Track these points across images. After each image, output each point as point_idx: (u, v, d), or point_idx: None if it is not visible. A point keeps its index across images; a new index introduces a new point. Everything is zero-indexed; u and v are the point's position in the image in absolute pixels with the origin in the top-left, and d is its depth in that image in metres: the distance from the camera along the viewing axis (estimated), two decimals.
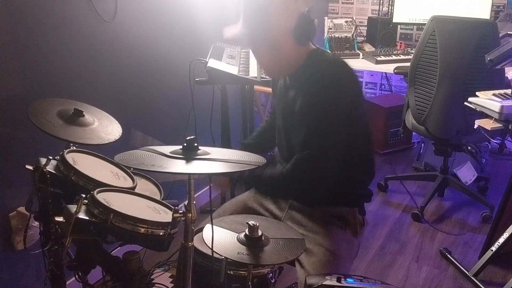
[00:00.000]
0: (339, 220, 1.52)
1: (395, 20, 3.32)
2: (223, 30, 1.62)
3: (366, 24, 3.69)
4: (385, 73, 3.98)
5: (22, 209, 1.73)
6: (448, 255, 2.36)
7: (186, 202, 1.11)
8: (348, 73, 1.40)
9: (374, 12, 3.85)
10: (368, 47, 3.37)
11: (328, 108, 1.34)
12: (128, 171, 1.48)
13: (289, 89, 1.48)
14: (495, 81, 2.32)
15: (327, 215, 1.52)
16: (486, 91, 1.89)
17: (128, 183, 1.43)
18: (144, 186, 1.54)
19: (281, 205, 1.60)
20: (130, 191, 1.36)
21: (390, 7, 3.46)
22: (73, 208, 1.16)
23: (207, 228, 1.23)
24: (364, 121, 1.47)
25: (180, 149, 1.12)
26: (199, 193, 2.65)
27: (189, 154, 1.10)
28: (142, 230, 1.16)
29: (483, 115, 1.82)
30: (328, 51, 2.95)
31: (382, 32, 3.36)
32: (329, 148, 1.37)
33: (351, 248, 1.50)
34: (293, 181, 1.41)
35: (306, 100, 1.37)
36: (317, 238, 1.45)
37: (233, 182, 1.62)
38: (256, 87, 2.46)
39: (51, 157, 1.35)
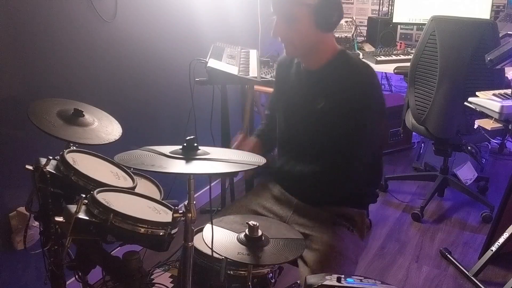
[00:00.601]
0: (347, 221, 1.51)
1: (395, 20, 3.32)
2: None
3: (366, 24, 3.69)
4: (385, 73, 3.97)
5: (22, 209, 1.73)
6: (448, 255, 2.36)
7: (186, 202, 1.11)
8: (377, 78, 1.42)
9: (374, 12, 3.84)
10: (368, 47, 3.37)
11: (368, 111, 1.36)
12: (128, 171, 1.48)
13: (310, 87, 1.46)
14: (495, 81, 2.32)
15: (335, 215, 1.51)
16: (486, 91, 1.89)
17: (128, 183, 1.43)
18: (144, 186, 1.54)
19: (286, 207, 1.58)
20: (130, 191, 1.36)
21: (390, 7, 3.46)
22: (73, 208, 1.16)
23: (207, 228, 1.23)
24: (382, 126, 1.51)
25: (180, 149, 1.12)
26: (199, 193, 2.65)
27: (189, 154, 1.10)
28: (142, 230, 1.16)
29: (483, 115, 1.82)
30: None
31: (382, 32, 3.36)
32: (366, 149, 1.40)
33: (357, 250, 1.50)
34: (326, 181, 1.42)
35: (343, 101, 1.36)
36: (323, 237, 1.44)
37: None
38: (256, 87, 2.46)
39: (51, 157, 1.35)
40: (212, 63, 2.06)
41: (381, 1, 3.78)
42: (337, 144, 1.39)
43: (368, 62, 3.32)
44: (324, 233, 1.46)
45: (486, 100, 1.81)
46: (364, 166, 1.41)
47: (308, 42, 1.39)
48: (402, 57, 3.12)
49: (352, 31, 3.26)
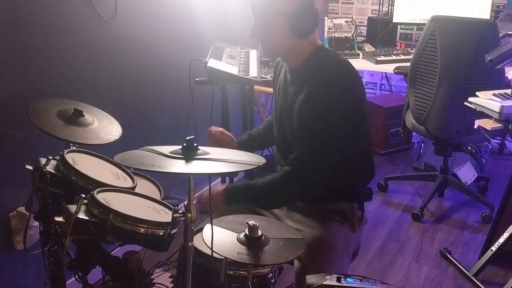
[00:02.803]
0: (338, 215, 1.52)
1: (395, 20, 3.32)
2: None
3: (366, 24, 3.69)
4: (385, 73, 3.97)
5: (22, 209, 1.73)
6: (448, 255, 2.36)
7: (186, 202, 1.11)
8: (353, 74, 1.40)
9: (374, 12, 3.84)
10: (368, 47, 3.37)
11: (330, 107, 1.34)
12: (128, 171, 1.48)
13: (289, 85, 1.48)
14: (495, 81, 2.32)
15: (326, 211, 1.52)
16: (486, 91, 1.89)
17: (128, 183, 1.43)
18: (144, 186, 1.54)
19: None
20: (130, 191, 1.36)
21: (390, 7, 3.46)
22: (73, 208, 1.16)
23: (207, 228, 1.23)
24: (365, 122, 1.47)
25: (180, 149, 1.12)
26: (199, 193, 2.65)
27: (188, 154, 1.10)
28: (142, 230, 1.16)
29: (483, 115, 1.82)
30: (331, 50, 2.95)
31: (382, 32, 3.36)
32: (327, 147, 1.36)
33: (348, 242, 1.50)
34: (290, 181, 1.40)
35: (307, 97, 1.36)
36: (313, 232, 1.45)
37: (227, 201, 1.46)
38: (256, 87, 2.46)
39: (51, 157, 1.35)
40: (212, 63, 2.06)
41: (381, 1, 3.77)
42: (305, 142, 1.37)
43: (368, 62, 3.33)
44: (314, 228, 1.47)
45: (486, 100, 1.81)
46: (329, 164, 1.38)
47: (282, 46, 1.41)
48: (402, 57, 3.13)
49: (352, 31, 3.26)
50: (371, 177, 1.57)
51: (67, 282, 1.50)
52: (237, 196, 1.46)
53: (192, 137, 1.11)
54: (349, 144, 1.41)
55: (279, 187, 1.41)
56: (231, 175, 2.36)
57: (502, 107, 1.73)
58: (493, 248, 2.14)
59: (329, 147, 1.37)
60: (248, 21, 1.43)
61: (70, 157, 1.36)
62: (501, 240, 2.10)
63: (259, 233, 1.23)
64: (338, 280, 1.08)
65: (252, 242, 1.22)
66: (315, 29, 1.39)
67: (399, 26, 3.54)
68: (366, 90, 4.14)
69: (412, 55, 2.66)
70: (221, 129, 1.72)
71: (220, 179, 2.57)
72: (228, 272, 1.29)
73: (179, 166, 1.05)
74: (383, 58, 3.09)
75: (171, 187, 2.09)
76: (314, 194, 1.44)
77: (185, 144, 1.12)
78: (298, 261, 1.40)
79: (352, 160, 1.47)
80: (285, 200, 1.52)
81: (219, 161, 1.10)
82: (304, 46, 1.42)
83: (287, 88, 1.49)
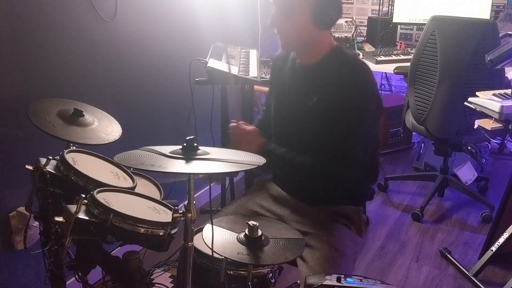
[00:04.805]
0: (344, 218, 1.52)
1: (395, 20, 3.32)
2: None
3: (366, 24, 3.69)
4: (385, 73, 3.98)
5: (22, 209, 1.73)
6: (448, 255, 2.36)
7: (186, 202, 1.11)
8: (372, 74, 1.40)
9: (374, 12, 3.84)
10: (368, 47, 3.37)
11: (364, 105, 1.35)
12: (128, 171, 1.48)
13: (304, 82, 1.46)
14: (495, 81, 2.32)
15: (332, 213, 1.52)
16: (486, 91, 1.89)
17: (128, 183, 1.43)
18: (144, 186, 1.54)
19: (284, 206, 1.59)
20: (130, 191, 1.36)
21: (390, 7, 3.46)
22: (73, 208, 1.16)
23: (207, 228, 1.23)
24: (377, 124, 1.49)
25: (180, 149, 1.12)
26: (199, 193, 2.65)
27: (189, 154, 1.10)
28: (142, 230, 1.16)
29: (483, 115, 1.82)
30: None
31: (382, 32, 3.36)
32: (361, 145, 1.38)
33: (355, 247, 1.50)
34: (319, 175, 1.41)
35: (338, 95, 1.35)
36: (321, 235, 1.44)
37: (259, 149, 1.44)
38: (256, 87, 2.46)
39: (51, 157, 1.35)
40: (212, 63, 2.06)
41: (381, 1, 3.77)
42: (328, 141, 1.38)
43: (368, 62, 3.33)
44: (322, 231, 1.46)
45: (486, 100, 1.81)
46: (356, 164, 1.40)
47: (303, 37, 1.38)
48: (402, 57, 3.13)
49: (352, 31, 3.26)
50: (377, 177, 1.58)
51: (67, 282, 1.50)
52: (269, 154, 1.43)
53: (192, 137, 1.11)
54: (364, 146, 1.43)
55: (307, 174, 1.43)
56: (231, 175, 2.36)
57: (502, 107, 1.73)
58: (493, 248, 2.14)
59: (359, 149, 1.38)
60: (248, 21, 1.42)
61: (70, 157, 1.36)
62: (501, 240, 2.10)
63: (259, 233, 1.23)
64: (338, 280, 1.08)
65: (252, 242, 1.22)
66: (337, 19, 1.38)
67: (399, 26, 3.54)
68: None
69: (412, 55, 2.66)
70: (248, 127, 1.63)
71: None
72: (228, 272, 1.29)
73: (179, 166, 1.05)
74: (383, 58, 3.09)
75: (171, 187, 2.09)
76: (337, 192, 1.47)
77: (185, 144, 1.11)
78: (305, 264, 1.39)
79: (362, 160, 1.47)
80: (307, 182, 1.51)
81: (219, 161, 1.10)
82: (324, 40, 1.40)
83: (300, 85, 1.47)
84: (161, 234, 1.18)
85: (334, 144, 1.38)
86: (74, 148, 1.44)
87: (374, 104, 1.38)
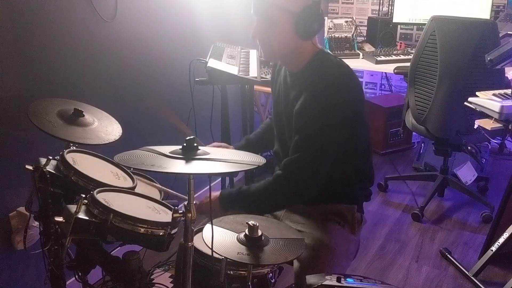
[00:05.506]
0: (337, 216, 1.52)
1: (395, 20, 3.32)
2: None
3: (366, 24, 3.69)
4: (385, 73, 3.97)
5: (22, 209, 1.73)
6: (448, 255, 2.36)
7: (186, 202, 1.11)
8: (352, 78, 1.39)
9: (374, 12, 3.84)
10: (368, 47, 3.37)
11: (327, 111, 1.33)
12: (128, 171, 1.48)
13: (290, 89, 1.47)
14: (495, 81, 2.32)
15: (325, 212, 1.52)
16: (486, 91, 1.89)
17: (128, 183, 1.43)
18: (144, 186, 1.54)
19: None
20: (130, 191, 1.36)
21: (390, 7, 3.46)
22: (73, 208, 1.16)
23: (207, 228, 1.23)
24: (364, 126, 1.47)
25: (180, 149, 1.12)
26: (199, 193, 2.65)
27: (188, 154, 1.10)
28: (142, 230, 1.16)
29: (483, 115, 1.82)
30: (332, 54, 2.96)
31: (382, 32, 3.36)
32: (320, 151, 1.36)
33: (348, 245, 1.50)
34: (282, 185, 1.40)
35: (305, 101, 1.36)
36: (314, 233, 1.46)
37: (223, 208, 1.46)
38: (256, 87, 2.46)
39: (51, 157, 1.35)
40: (212, 63, 2.06)
41: (381, 1, 3.78)
42: (300, 146, 1.37)
43: (368, 62, 3.33)
44: (314, 229, 1.47)
45: (486, 100, 1.81)
46: (323, 168, 1.38)
47: (286, 47, 1.39)
48: (402, 57, 3.13)
49: (352, 31, 3.26)
50: (371, 181, 1.57)
51: (67, 282, 1.50)
52: (232, 203, 1.45)
53: (192, 137, 1.11)
54: (348, 148, 1.41)
55: (271, 191, 1.41)
56: (231, 175, 2.36)
57: (502, 107, 1.73)
58: (493, 248, 2.14)
59: (324, 151, 1.36)
60: (248, 20, 1.42)
61: (70, 157, 1.36)
62: (501, 240, 2.10)
63: (259, 233, 1.23)
64: (338, 280, 1.08)
65: (252, 242, 1.22)
66: (319, 31, 1.38)
67: (399, 26, 3.54)
68: (366, 90, 4.14)
69: (412, 55, 2.66)
70: (217, 143, 1.70)
71: (220, 179, 2.57)
72: (228, 272, 1.29)
73: (179, 166, 1.05)
74: (383, 58, 3.09)
75: (171, 187, 2.09)
76: (307, 197, 1.43)
77: (185, 144, 1.12)
78: (298, 263, 1.40)
79: (351, 164, 1.47)
80: (279, 204, 1.51)
81: (219, 161, 1.10)
82: (306, 49, 1.40)
83: (288, 92, 1.48)
84: (161, 234, 1.18)
85: (299, 148, 1.36)
86: (74, 148, 1.44)
87: (344, 108, 1.35)
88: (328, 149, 1.37)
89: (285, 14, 1.32)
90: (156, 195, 1.49)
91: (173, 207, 1.20)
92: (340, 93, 1.34)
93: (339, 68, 1.40)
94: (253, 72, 2.12)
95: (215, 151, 1.17)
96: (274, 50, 1.41)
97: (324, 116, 1.34)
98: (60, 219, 1.18)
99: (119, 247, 1.59)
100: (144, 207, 1.30)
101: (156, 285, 1.88)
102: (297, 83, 1.44)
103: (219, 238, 1.23)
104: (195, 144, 1.12)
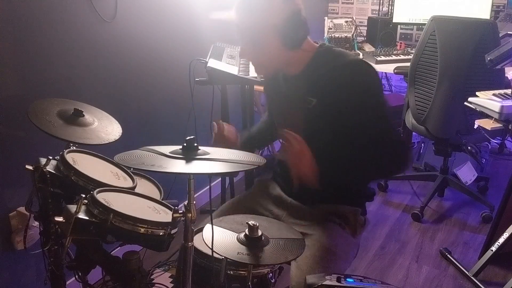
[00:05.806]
0: (339, 218, 1.51)
1: (395, 20, 3.32)
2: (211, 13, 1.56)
3: (366, 24, 3.69)
4: (385, 73, 3.97)
5: (22, 209, 1.73)
6: (448, 255, 2.36)
7: (186, 202, 1.11)
8: (366, 64, 1.37)
9: (374, 12, 3.85)
10: (368, 47, 3.37)
11: (378, 98, 1.34)
12: (128, 171, 1.48)
13: (297, 88, 1.44)
14: (495, 81, 2.32)
15: (327, 213, 1.52)
16: (486, 91, 1.89)
17: (128, 183, 1.43)
18: (144, 186, 1.54)
19: (282, 205, 1.59)
20: (130, 191, 1.36)
21: (390, 7, 3.46)
22: (73, 208, 1.16)
23: (207, 228, 1.23)
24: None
25: (180, 149, 1.12)
26: (199, 193, 2.65)
27: (189, 154, 1.10)
28: (142, 230, 1.16)
29: (483, 115, 1.82)
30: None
31: (382, 32, 3.36)
32: (390, 121, 1.37)
33: (348, 247, 1.49)
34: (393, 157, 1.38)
35: (340, 95, 1.32)
36: (314, 234, 1.45)
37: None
38: (256, 87, 2.46)
39: (51, 157, 1.35)
40: (212, 63, 2.06)
41: (381, 1, 3.78)
42: (341, 138, 1.36)
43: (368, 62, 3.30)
44: (315, 231, 1.46)
45: (486, 100, 1.82)
46: (386, 151, 1.35)
47: (277, 60, 1.38)
48: (402, 57, 3.12)
49: (352, 31, 3.26)
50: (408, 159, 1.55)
51: (67, 282, 1.50)
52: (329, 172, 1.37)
53: (192, 137, 1.11)
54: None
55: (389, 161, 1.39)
56: (231, 175, 2.36)
57: (502, 107, 1.73)
58: (493, 248, 2.14)
59: (385, 131, 1.36)
60: None
61: (70, 157, 1.36)
62: (501, 240, 2.10)
63: (259, 233, 1.23)
64: (338, 280, 1.08)
65: (252, 242, 1.22)
66: (306, 37, 1.37)
67: (399, 26, 3.54)
68: None
69: (412, 55, 2.66)
70: (227, 127, 1.60)
71: (220, 179, 2.57)
72: (228, 272, 1.29)
73: (179, 166, 1.05)
74: (383, 58, 3.09)
75: (171, 187, 2.09)
76: (347, 191, 1.47)
77: (185, 144, 1.12)
78: (294, 263, 1.39)
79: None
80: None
81: (219, 161, 1.10)
82: (300, 53, 1.39)
83: (293, 93, 1.46)
84: (161, 234, 1.18)
85: (349, 139, 1.35)
86: (74, 148, 1.44)
87: (377, 82, 1.36)
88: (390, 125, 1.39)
89: (267, 29, 1.31)
90: (156, 195, 1.49)
91: (173, 207, 1.20)
92: (371, 68, 1.34)
93: (350, 55, 1.39)
94: (253, 72, 2.11)
95: (215, 151, 1.17)
96: (265, 66, 1.42)
97: (373, 91, 1.33)
98: (60, 219, 1.18)
99: (119, 247, 1.59)
100: (144, 207, 1.30)
101: (156, 285, 1.88)
102: (304, 82, 1.41)
103: (219, 238, 1.23)
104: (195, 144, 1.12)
